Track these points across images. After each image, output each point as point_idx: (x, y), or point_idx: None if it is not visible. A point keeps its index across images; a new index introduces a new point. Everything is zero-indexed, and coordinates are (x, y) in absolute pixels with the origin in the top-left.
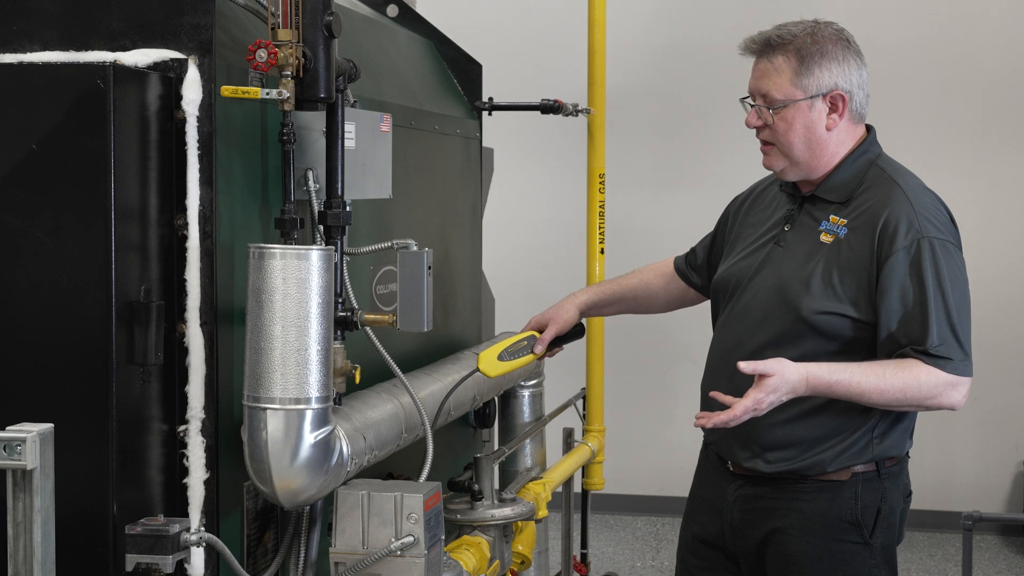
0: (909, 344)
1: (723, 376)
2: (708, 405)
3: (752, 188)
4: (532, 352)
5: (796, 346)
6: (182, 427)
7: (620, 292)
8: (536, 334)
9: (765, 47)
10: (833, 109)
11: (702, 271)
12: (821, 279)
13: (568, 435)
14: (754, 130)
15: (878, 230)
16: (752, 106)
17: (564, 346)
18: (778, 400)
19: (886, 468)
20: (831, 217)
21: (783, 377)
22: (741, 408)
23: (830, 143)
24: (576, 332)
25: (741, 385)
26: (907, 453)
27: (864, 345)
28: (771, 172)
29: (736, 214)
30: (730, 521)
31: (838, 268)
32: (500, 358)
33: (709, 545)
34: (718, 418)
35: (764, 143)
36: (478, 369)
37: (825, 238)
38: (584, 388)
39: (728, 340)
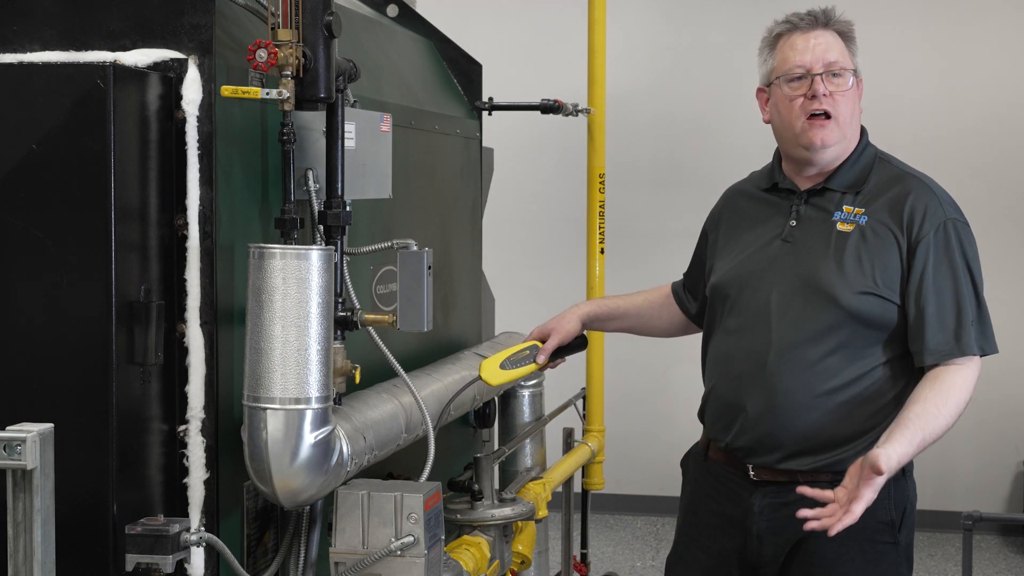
0: (947, 345)
1: (752, 380)
2: (722, 413)
3: (722, 200)
4: (534, 362)
5: (833, 336)
6: (182, 427)
7: (624, 308)
8: (539, 344)
9: (827, 18)
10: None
11: (695, 296)
12: (853, 264)
13: (568, 435)
14: (799, 104)
15: (905, 216)
16: (805, 78)
17: (566, 357)
18: (872, 488)
19: (908, 466)
20: (845, 207)
21: (889, 469)
22: (861, 509)
23: (858, 127)
24: (578, 344)
25: (774, 385)
26: None
27: (899, 329)
28: (746, 175)
29: (716, 227)
30: (757, 532)
31: (867, 253)
32: (502, 367)
33: (722, 560)
34: (842, 524)
35: (819, 116)
36: (480, 377)
37: (844, 227)
38: (584, 388)
39: (751, 342)
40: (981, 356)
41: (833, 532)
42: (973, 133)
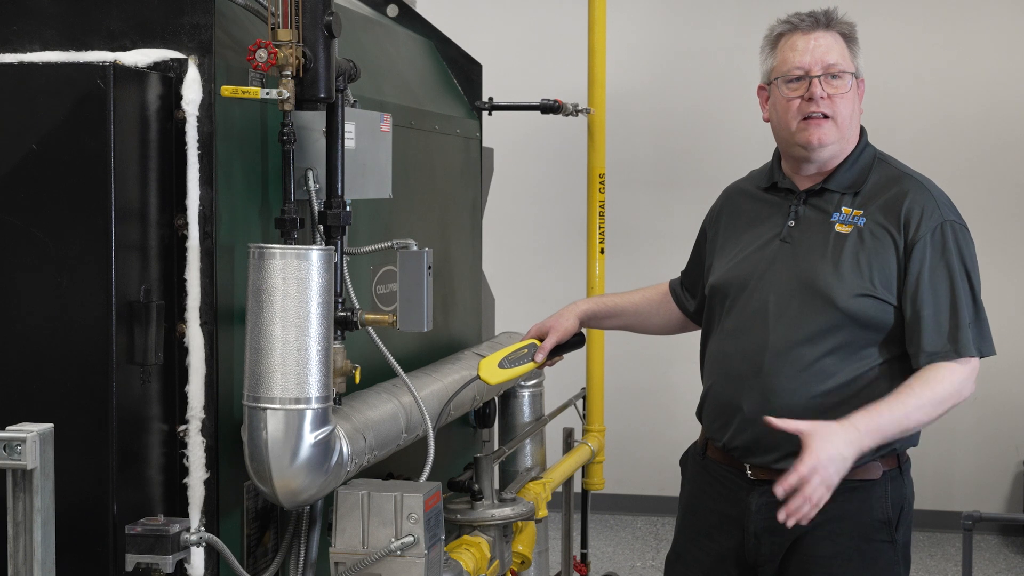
0: (943, 347)
1: (748, 381)
2: (719, 412)
3: (722, 198)
4: (532, 360)
5: (830, 337)
6: (182, 427)
7: (622, 306)
8: (537, 342)
9: (828, 19)
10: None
11: (694, 293)
12: (850, 266)
13: (568, 435)
14: (796, 105)
15: (902, 217)
16: (804, 79)
17: (564, 355)
18: (843, 466)
19: (903, 463)
20: (843, 209)
21: (827, 438)
22: (812, 489)
23: (857, 128)
24: (576, 341)
25: (770, 386)
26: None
27: (895, 330)
28: (746, 173)
29: (715, 225)
30: (754, 530)
31: (864, 255)
32: (500, 365)
33: (720, 559)
34: (801, 512)
35: (816, 116)
36: (479, 376)
37: (842, 228)
38: (584, 388)
39: (748, 343)
40: (980, 358)
41: (794, 520)
42: (973, 127)
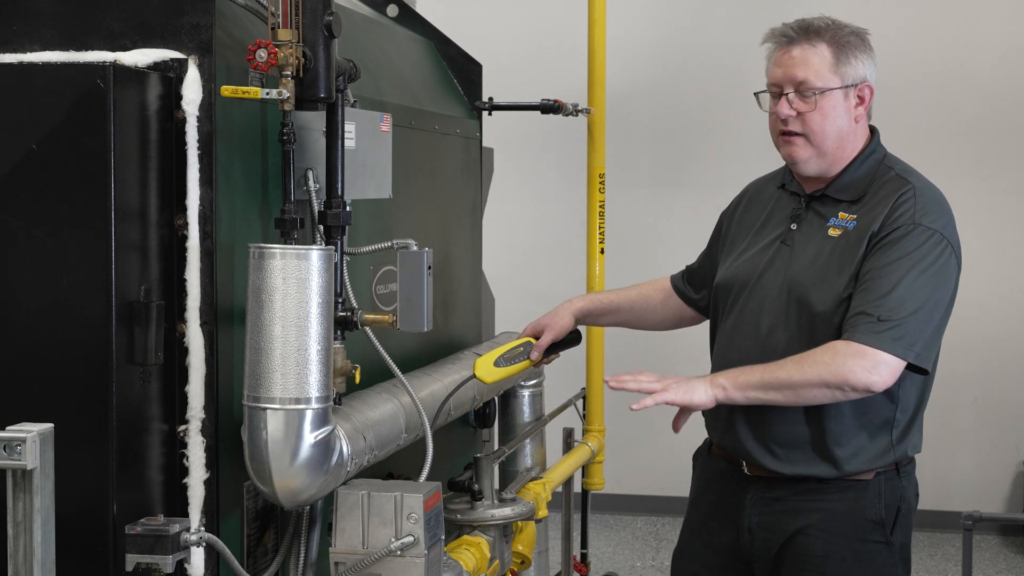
0: (861, 310)
1: None
2: (715, 410)
3: (743, 193)
4: (528, 358)
5: (816, 342)
6: (182, 427)
7: (618, 302)
8: (532, 340)
9: (805, 33)
10: (860, 102)
11: (703, 284)
12: (833, 269)
13: (568, 435)
14: (773, 120)
15: (882, 217)
16: (781, 95)
17: (560, 353)
18: (687, 390)
19: (904, 466)
20: (840, 214)
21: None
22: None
23: (852, 137)
24: (572, 339)
25: None
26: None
27: None
28: (760, 172)
29: (731, 219)
30: (748, 525)
31: (847, 258)
32: (496, 364)
33: (719, 554)
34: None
35: (790, 134)
36: (474, 375)
37: (833, 232)
38: (584, 388)
39: (743, 343)
40: (903, 360)
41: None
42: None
